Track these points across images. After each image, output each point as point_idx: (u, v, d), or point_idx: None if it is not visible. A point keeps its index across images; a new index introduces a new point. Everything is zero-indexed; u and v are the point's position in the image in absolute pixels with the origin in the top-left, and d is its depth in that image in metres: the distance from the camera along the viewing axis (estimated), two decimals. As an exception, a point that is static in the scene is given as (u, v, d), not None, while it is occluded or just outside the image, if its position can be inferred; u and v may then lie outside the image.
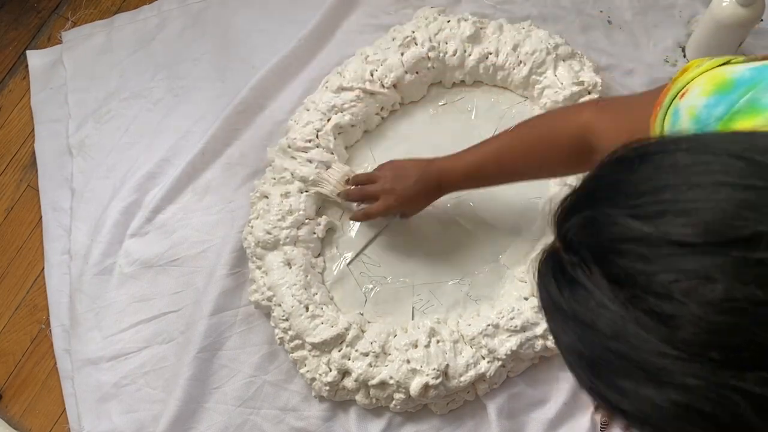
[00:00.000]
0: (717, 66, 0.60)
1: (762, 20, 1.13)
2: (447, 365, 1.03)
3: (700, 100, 0.58)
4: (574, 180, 1.11)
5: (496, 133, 1.19)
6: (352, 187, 1.12)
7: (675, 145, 0.43)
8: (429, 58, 1.19)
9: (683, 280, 0.37)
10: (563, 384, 1.08)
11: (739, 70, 0.57)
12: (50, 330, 1.23)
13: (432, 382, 1.02)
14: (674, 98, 0.61)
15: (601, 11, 1.29)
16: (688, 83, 0.60)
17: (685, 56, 1.24)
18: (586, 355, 0.42)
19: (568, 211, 0.45)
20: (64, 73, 1.40)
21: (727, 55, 0.61)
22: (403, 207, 1.07)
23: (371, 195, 1.08)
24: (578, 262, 0.42)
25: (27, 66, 1.42)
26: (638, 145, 0.45)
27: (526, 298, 1.07)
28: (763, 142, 0.41)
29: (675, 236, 0.38)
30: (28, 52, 1.43)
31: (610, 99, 0.92)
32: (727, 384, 0.36)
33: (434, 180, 1.02)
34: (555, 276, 0.44)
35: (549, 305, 0.45)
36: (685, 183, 0.40)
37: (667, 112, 0.61)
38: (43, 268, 1.27)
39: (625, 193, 0.42)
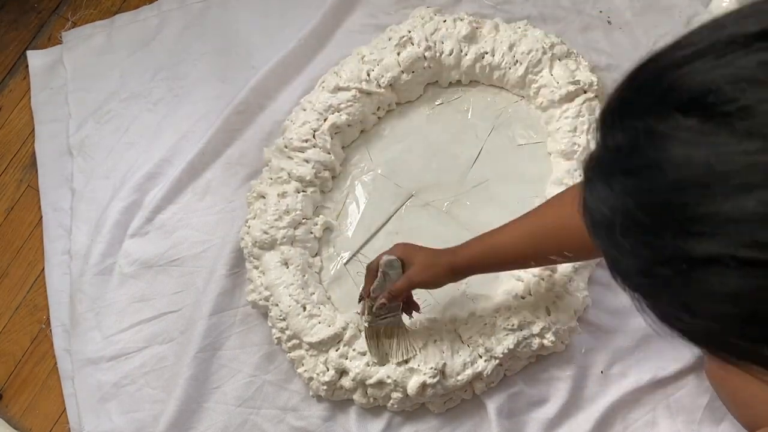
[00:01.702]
0: None
1: (761, 20, 1.13)
2: (444, 364, 1.03)
3: None
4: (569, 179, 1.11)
5: (490, 131, 1.19)
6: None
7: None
8: (425, 57, 1.19)
9: (765, 67, 0.35)
10: (563, 384, 1.08)
11: None
12: (50, 330, 1.23)
13: (429, 381, 1.02)
14: None
15: (600, 11, 1.29)
16: None
17: (684, 56, 1.24)
18: (651, 207, 0.38)
19: (613, 92, 0.43)
20: (64, 73, 1.40)
21: None
22: (420, 279, 0.98)
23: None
24: (639, 116, 0.39)
25: (27, 66, 1.42)
26: None
27: (522, 297, 1.07)
28: None
29: (749, 31, 0.36)
30: (29, 53, 1.43)
31: None
32: None
33: (445, 262, 0.96)
34: (609, 148, 0.41)
35: (603, 182, 0.41)
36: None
37: None
38: (43, 268, 1.28)
39: (677, 40, 0.40)
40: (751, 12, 0.38)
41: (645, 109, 0.38)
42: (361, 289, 1.02)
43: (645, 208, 0.38)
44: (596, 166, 0.42)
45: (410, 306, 1.04)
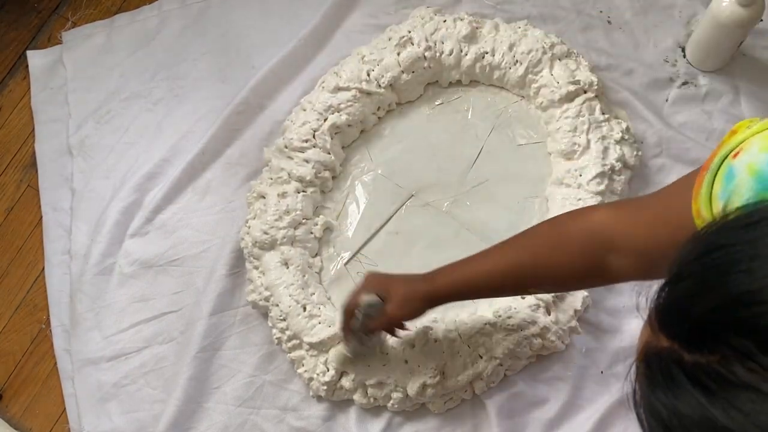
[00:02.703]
0: None
1: (762, 20, 1.13)
2: (444, 364, 1.03)
3: (761, 156, 0.51)
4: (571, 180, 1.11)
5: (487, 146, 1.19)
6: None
7: None
8: (425, 57, 1.20)
9: None
10: (563, 384, 1.08)
11: None
12: (50, 330, 1.23)
13: (429, 381, 1.02)
14: (725, 159, 0.54)
15: (600, 11, 1.29)
16: (741, 143, 0.53)
17: (684, 56, 1.24)
18: None
19: (685, 297, 0.36)
20: (64, 73, 1.40)
21: None
22: (390, 294, 0.93)
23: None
24: (731, 357, 0.33)
25: (27, 66, 1.42)
26: (763, 205, 0.37)
27: (523, 297, 1.07)
28: None
29: None
30: (29, 52, 1.43)
31: (622, 200, 0.82)
32: None
33: (422, 291, 0.92)
34: (692, 381, 0.34)
35: (681, 425, 0.34)
36: None
37: (716, 175, 0.54)
38: (43, 268, 1.28)
39: None
40: None
41: (747, 350, 0.33)
42: (339, 327, 1.00)
43: None
44: (666, 379, 0.36)
45: (394, 332, 1.00)
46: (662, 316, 0.37)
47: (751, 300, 0.33)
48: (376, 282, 0.95)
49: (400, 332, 0.99)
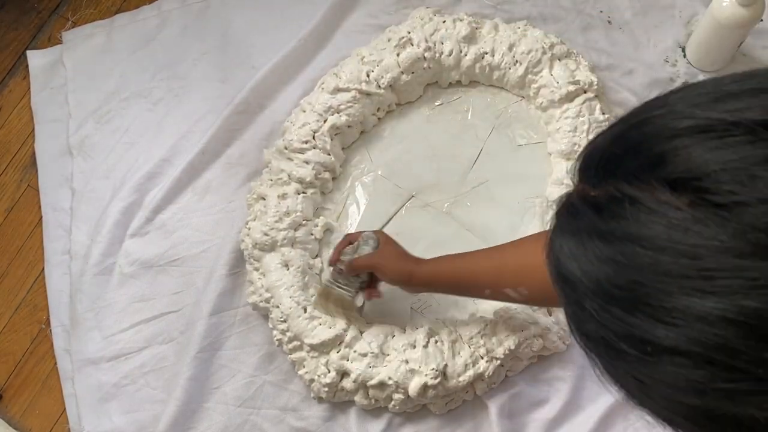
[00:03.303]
0: None
1: (762, 20, 1.13)
2: (445, 365, 1.03)
3: None
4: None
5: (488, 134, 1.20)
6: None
7: (725, 75, 0.39)
8: (425, 58, 1.19)
9: (763, 163, 0.32)
10: (564, 384, 1.08)
11: None
12: (50, 330, 1.23)
13: (430, 382, 1.02)
14: None
15: (601, 11, 1.29)
16: None
17: (685, 56, 1.24)
18: (626, 282, 0.35)
19: (601, 138, 0.40)
20: (64, 73, 1.40)
21: None
22: (381, 264, 1.01)
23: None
24: (622, 180, 0.36)
25: (27, 66, 1.42)
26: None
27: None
28: None
29: (753, 118, 0.33)
30: (29, 52, 1.43)
31: None
32: None
33: (407, 270, 0.99)
34: (588, 204, 0.38)
35: (574, 239, 0.38)
36: (748, 76, 0.36)
37: None
38: (43, 268, 1.28)
39: (679, 99, 0.37)
40: (755, 91, 0.35)
41: (631, 173, 0.37)
42: (331, 252, 1.08)
43: (619, 283, 0.36)
44: (570, 215, 0.40)
45: (371, 290, 1.06)
46: (580, 165, 0.41)
47: (643, 122, 0.37)
48: (384, 236, 1.03)
49: (374, 292, 1.06)
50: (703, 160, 0.34)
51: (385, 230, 1.18)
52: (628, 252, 0.35)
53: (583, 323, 0.39)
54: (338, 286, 1.06)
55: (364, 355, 1.05)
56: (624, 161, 0.37)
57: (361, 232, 1.05)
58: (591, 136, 1.12)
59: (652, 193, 0.35)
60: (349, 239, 1.06)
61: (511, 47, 1.19)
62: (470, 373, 1.03)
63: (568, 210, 0.40)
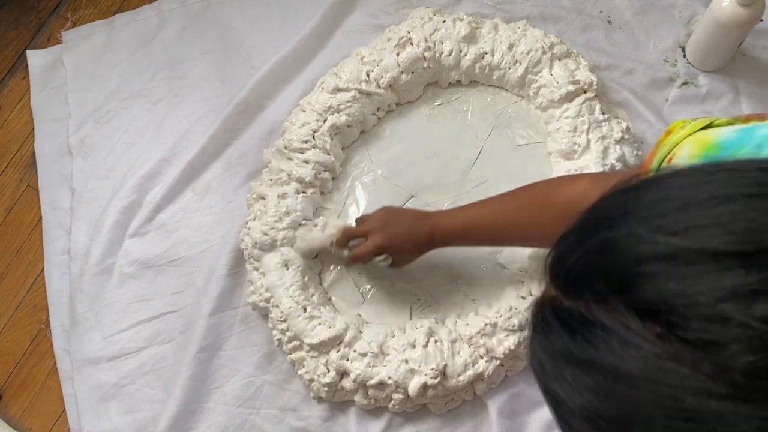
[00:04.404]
0: (701, 128, 0.56)
1: (762, 20, 1.13)
2: (445, 365, 1.03)
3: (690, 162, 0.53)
4: None
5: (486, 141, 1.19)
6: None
7: (686, 169, 0.38)
8: (425, 58, 1.19)
9: (734, 298, 0.31)
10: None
11: (724, 133, 0.54)
12: (50, 330, 1.23)
13: (430, 382, 1.02)
14: (662, 162, 0.58)
15: (601, 11, 1.29)
16: (674, 147, 0.56)
17: (685, 56, 1.24)
18: (607, 414, 0.35)
19: (568, 248, 0.39)
20: (64, 73, 1.40)
21: (710, 117, 0.58)
22: (392, 248, 1.03)
23: (360, 234, 1.06)
24: (591, 298, 0.36)
25: (27, 66, 1.42)
26: (646, 173, 0.40)
27: (523, 297, 1.07)
28: None
29: (718, 246, 0.32)
30: (28, 52, 1.43)
31: (608, 172, 0.89)
32: None
33: (426, 230, 1.00)
34: (561, 322, 0.37)
35: (551, 360, 0.38)
36: (713, 197, 0.35)
37: None
38: (43, 268, 1.28)
39: (642, 214, 0.36)
40: (718, 203, 0.34)
41: (600, 295, 0.36)
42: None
43: (602, 414, 0.35)
44: (544, 332, 0.39)
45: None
46: (550, 268, 0.40)
47: (608, 247, 0.36)
48: (384, 240, 1.02)
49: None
50: (670, 292, 0.33)
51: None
52: (608, 386, 0.34)
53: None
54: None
55: (364, 354, 1.05)
56: (591, 282, 0.36)
57: (365, 253, 1.04)
58: (591, 136, 1.12)
59: (621, 321, 0.34)
60: (354, 233, 1.07)
61: (511, 47, 1.19)
62: (470, 372, 1.03)
63: (542, 324, 0.39)
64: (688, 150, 0.54)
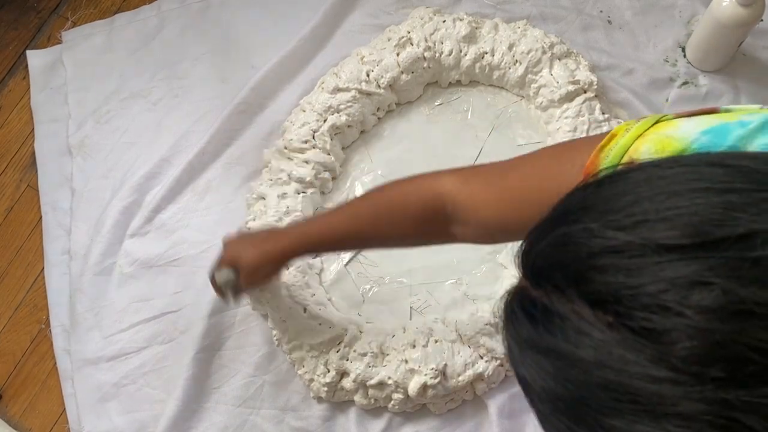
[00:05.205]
0: (650, 126, 0.55)
1: (762, 20, 1.13)
2: (445, 365, 1.03)
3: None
4: None
5: (487, 134, 1.20)
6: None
7: (644, 164, 0.40)
8: (425, 58, 1.20)
9: (673, 289, 0.33)
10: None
11: (689, 132, 0.53)
12: (50, 330, 1.23)
13: (430, 381, 1.02)
14: (614, 167, 0.55)
15: (601, 11, 1.29)
16: (628, 149, 0.55)
17: (685, 56, 1.24)
18: (565, 396, 0.37)
19: (534, 241, 0.41)
20: (64, 73, 1.40)
21: (654, 115, 0.57)
22: (236, 258, 0.95)
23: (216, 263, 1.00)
24: (551, 289, 0.38)
25: (27, 66, 1.42)
26: (604, 170, 0.42)
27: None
28: (733, 153, 0.40)
29: (660, 240, 0.34)
30: (28, 52, 1.43)
31: (472, 169, 0.83)
32: (735, 405, 0.31)
33: (275, 239, 0.94)
34: (525, 312, 0.40)
35: (518, 347, 0.40)
36: (663, 192, 0.36)
37: None
38: (43, 268, 1.28)
39: (598, 209, 0.38)
40: (668, 208, 0.36)
41: (558, 286, 0.38)
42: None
43: (561, 396, 0.37)
44: (510, 320, 0.41)
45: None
46: (520, 259, 0.42)
47: (565, 241, 0.38)
48: (228, 254, 0.97)
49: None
50: (617, 284, 0.35)
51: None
52: (565, 371, 0.37)
53: (541, 421, 0.40)
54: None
55: (364, 354, 1.05)
56: (551, 273, 0.38)
57: (212, 271, 0.99)
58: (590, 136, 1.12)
59: (576, 311, 0.36)
60: (215, 287, 1.00)
61: (511, 47, 1.19)
62: (470, 372, 1.03)
63: (511, 313, 0.41)
64: (649, 152, 0.54)
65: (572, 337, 0.36)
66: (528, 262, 0.41)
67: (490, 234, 0.75)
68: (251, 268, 0.94)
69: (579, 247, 0.37)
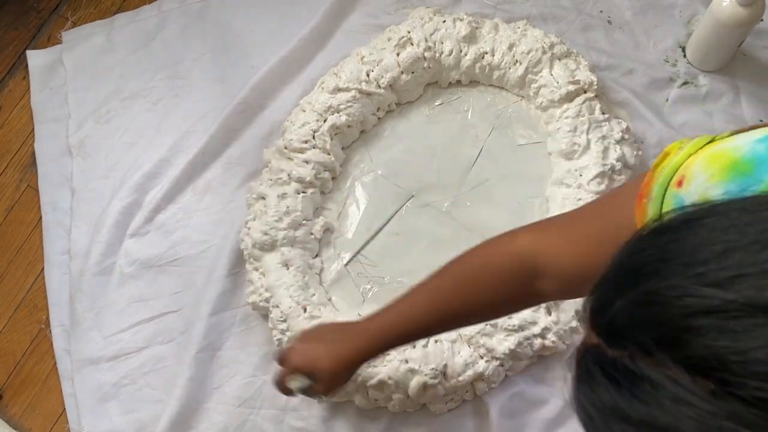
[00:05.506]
0: (704, 145, 0.53)
1: (762, 20, 1.13)
2: (445, 365, 1.03)
3: (715, 188, 0.49)
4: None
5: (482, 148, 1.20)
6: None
7: (725, 206, 0.36)
8: (425, 58, 1.20)
9: None
10: (564, 384, 1.07)
11: (745, 145, 0.50)
12: (50, 330, 1.23)
13: (430, 381, 1.02)
14: (667, 187, 0.53)
15: (601, 11, 1.29)
16: (679, 168, 0.53)
17: (685, 56, 1.24)
18: None
19: (607, 296, 0.38)
20: (64, 73, 1.40)
21: (709, 135, 0.54)
22: (311, 367, 0.88)
23: (280, 361, 0.93)
24: (636, 350, 0.35)
25: (27, 66, 1.42)
26: (677, 214, 0.38)
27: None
28: None
29: (766, 299, 0.31)
30: (28, 52, 1.43)
31: (545, 220, 0.80)
32: None
33: (350, 340, 0.87)
34: (605, 374, 0.36)
35: (600, 414, 0.36)
36: (757, 242, 0.33)
37: (663, 204, 0.53)
38: (43, 268, 1.27)
39: (681, 261, 0.35)
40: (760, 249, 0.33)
41: (645, 348, 0.35)
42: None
43: None
44: (588, 383, 0.38)
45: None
46: (590, 315, 0.39)
47: (652, 300, 0.35)
48: (300, 361, 0.89)
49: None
50: (721, 348, 0.32)
51: (385, 230, 1.18)
52: None
53: None
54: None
55: (364, 354, 1.05)
56: (636, 334, 0.35)
57: (283, 378, 0.91)
58: (591, 136, 1.12)
59: (671, 377, 0.33)
60: (283, 390, 0.93)
61: (511, 47, 1.19)
62: (470, 372, 1.03)
63: (586, 374, 0.38)
64: (703, 168, 0.51)
65: (668, 406, 0.33)
66: (603, 320, 0.38)
67: (579, 282, 0.64)
68: (329, 377, 0.87)
69: (669, 307, 0.34)
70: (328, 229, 1.18)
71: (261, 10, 1.38)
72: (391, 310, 0.85)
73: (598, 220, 0.65)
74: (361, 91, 1.18)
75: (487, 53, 1.20)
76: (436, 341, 1.05)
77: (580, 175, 1.11)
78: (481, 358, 1.04)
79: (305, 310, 1.08)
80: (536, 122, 1.21)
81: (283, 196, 1.14)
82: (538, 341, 1.04)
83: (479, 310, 0.82)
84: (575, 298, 0.76)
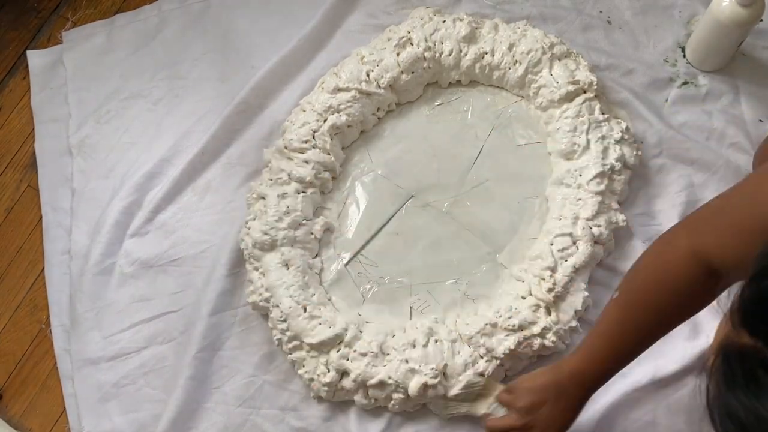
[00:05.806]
0: None
1: (762, 20, 1.13)
2: (445, 365, 1.03)
3: None
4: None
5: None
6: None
7: None
8: (425, 58, 1.20)
9: None
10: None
11: None
12: (50, 330, 1.23)
13: (430, 381, 1.02)
14: None
15: (600, 11, 1.29)
16: None
17: (685, 56, 1.24)
18: None
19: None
20: (64, 73, 1.40)
21: None
22: (535, 428, 0.92)
23: (508, 405, 0.97)
24: None
25: (27, 66, 1.42)
26: None
27: (523, 297, 1.07)
28: None
29: None
30: (29, 52, 1.43)
31: (694, 217, 0.77)
32: None
33: (574, 391, 0.89)
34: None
35: (760, 427, 0.33)
36: None
37: None
38: (43, 268, 1.28)
39: None
40: None
41: None
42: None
43: None
44: (748, 384, 0.35)
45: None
46: (746, 312, 0.35)
47: None
48: (527, 419, 0.92)
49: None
50: None
51: (385, 230, 1.18)
52: None
53: None
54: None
55: (364, 354, 1.05)
56: None
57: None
58: (590, 136, 1.12)
59: None
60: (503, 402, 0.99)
61: (511, 47, 1.19)
62: (470, 372, 1.03)
63: (751, 380, 0.34)
64: None
65: None
66: (761, 323, 0.35)
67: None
68: (551, 426, 0.90)
69: None
70: (328, 229, 1.18)
71: (261, 10, 1.38)
72: (588, 351, 0.86)
73: (751, 208, 0.63)
74: (361, 91, 1.18)
75: (487, 53, 1.20)
76: (436, 341, 1.05)
77: (580, 175, 1.11)
78: (481, 358, 1.04)
79: (305, 310, 1.08)
80: (536, 122, 1.21)
81: (283, 196, 1.14)
82: (537, 341, 1.04)
83: (675, 318, 0.82)
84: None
